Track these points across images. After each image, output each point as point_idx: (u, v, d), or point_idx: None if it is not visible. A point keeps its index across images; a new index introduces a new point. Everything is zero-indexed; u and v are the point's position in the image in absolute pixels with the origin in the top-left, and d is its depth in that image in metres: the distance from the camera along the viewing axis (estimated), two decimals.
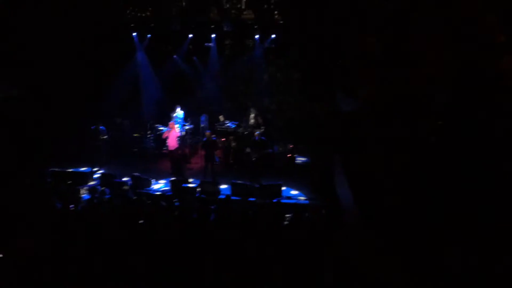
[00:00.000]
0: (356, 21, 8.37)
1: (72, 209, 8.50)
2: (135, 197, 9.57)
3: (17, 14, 12.17)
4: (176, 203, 9.24)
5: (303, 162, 13.69)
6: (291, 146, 13.26)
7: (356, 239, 7.23)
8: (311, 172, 12.07)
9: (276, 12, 13.58)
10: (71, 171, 11.99)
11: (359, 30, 8.33)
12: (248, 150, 12.17)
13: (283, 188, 11.26)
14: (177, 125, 13.06)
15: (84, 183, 11.56)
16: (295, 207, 9.98)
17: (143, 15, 14.75)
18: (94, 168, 12.73)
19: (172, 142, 12.34)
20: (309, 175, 12.01)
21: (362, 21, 8.27)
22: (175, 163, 12.58)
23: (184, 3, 14.51)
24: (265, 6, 13.61)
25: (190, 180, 11.69)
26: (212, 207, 8.99)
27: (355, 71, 8.71)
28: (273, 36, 14.40)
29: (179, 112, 14.30)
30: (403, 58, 7.84)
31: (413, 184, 7.31)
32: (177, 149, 12.42)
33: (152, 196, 10.24)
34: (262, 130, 13.05)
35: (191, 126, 14.60)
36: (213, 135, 12.60)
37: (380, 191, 7.49)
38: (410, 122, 7.80)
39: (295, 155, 13.39)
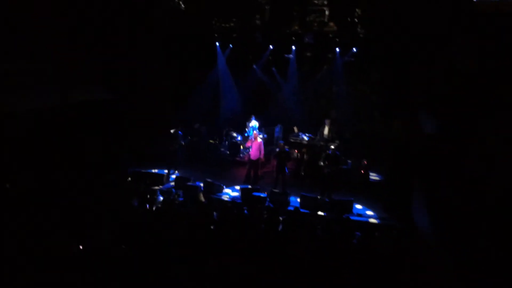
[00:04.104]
0: (448, 36, 7.86)
1: (147, 208, 8.88)
2: (206, 202, 9.78)
3: (114, 23, 13.01)
4: (245, 211, 9.31)
5: (378, 180, 13.23)
6: (365, 162, 12.84)
7: (430, 267, 6.79)
8: (385, 191, 11.61)
9: (359, 25, 13.29)
10: (149, 172, 12.55)
11: (451, 46, 7.82)
12: (320, 163, 12.00)
13: (357, 206, 10.97)
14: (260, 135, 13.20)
15: (161, 184, 12.06)
16: (365, 225, 9.67)
17: (227, 25, 15.18)
18: (171, 170, 13.25)
19: (254, 151, 12.50)
20: (382, 194, 11.57)
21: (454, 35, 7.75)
22: (251, 172, 12.71)
23: (267, 15, 14.74)
24: (348, 19, 13.38)
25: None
26: (281, 217, 8.93)
27: (442, 89, 8.15)
28: (354, 49, 14.15)
29: (253, 122, 14.55)
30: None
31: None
32: (258, 159, 12.55)
33: (222, 202, 10.43)
34: (336, 144, 12.79)
35: (265, 136, 14.72)
36: (286, 146, 12.57)
37: (463, 221, 6.96)
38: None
39: (369, 172, 12.96)
